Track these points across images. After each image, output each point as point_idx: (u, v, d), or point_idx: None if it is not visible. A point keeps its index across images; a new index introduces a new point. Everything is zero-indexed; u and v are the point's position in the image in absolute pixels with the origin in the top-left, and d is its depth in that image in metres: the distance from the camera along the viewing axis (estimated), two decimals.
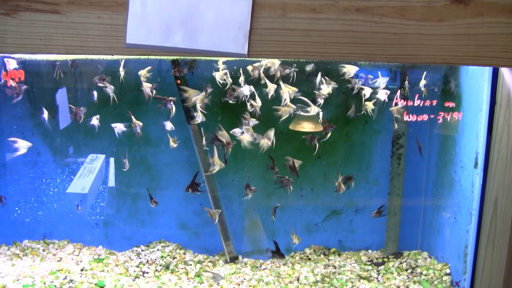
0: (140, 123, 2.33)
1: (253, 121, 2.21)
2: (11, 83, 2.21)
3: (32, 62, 2.30)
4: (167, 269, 2.49)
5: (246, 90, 2.19)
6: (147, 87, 2.25)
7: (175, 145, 2.38)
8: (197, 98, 2.23)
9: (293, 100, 2.22)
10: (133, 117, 2.32)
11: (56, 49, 1.64)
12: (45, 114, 2.36)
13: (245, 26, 1.64)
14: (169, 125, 2.36)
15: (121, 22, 1.62)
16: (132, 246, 2.66)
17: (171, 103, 2.28)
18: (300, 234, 2.73)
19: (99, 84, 2.30)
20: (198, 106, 2.23)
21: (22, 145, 2.32)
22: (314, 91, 2.23)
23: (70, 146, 2.54)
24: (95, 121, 2.35)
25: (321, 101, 2.22)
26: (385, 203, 2.66)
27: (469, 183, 2.24)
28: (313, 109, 2.21)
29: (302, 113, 2.23)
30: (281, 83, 2.18)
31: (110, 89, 2.29)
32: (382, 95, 2.26)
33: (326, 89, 2.20)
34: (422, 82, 2.30)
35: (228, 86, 2.21)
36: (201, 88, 2.25)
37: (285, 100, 2.17)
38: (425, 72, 2.32)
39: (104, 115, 2.39)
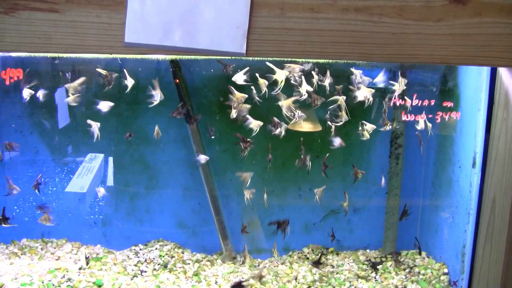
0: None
1: (300, 113, 2.17)
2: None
3: (31, 60, 2.30)
4: (165, 268, 2.49)
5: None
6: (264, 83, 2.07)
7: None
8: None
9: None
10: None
11: (55, 47, 1.64)
12: (68, 86, 2.22)
13: (243, 25, 1.64)
14: (203, 158, 2.42)
15: (119, 21, 1.62)
16: (130, 245, 2.66)
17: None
18: (299, 233, 2.74)
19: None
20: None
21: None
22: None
23: (69, 145, 2.54)
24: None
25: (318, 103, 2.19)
26: (408, 202, 2.67)
27: (467, 183, 2.24)
28: (343, 117, 2.22)
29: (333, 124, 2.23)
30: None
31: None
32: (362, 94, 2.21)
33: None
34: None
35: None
36: (200, 88, 2.25)
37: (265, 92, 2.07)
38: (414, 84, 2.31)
39: (104, 113, 2.38)
